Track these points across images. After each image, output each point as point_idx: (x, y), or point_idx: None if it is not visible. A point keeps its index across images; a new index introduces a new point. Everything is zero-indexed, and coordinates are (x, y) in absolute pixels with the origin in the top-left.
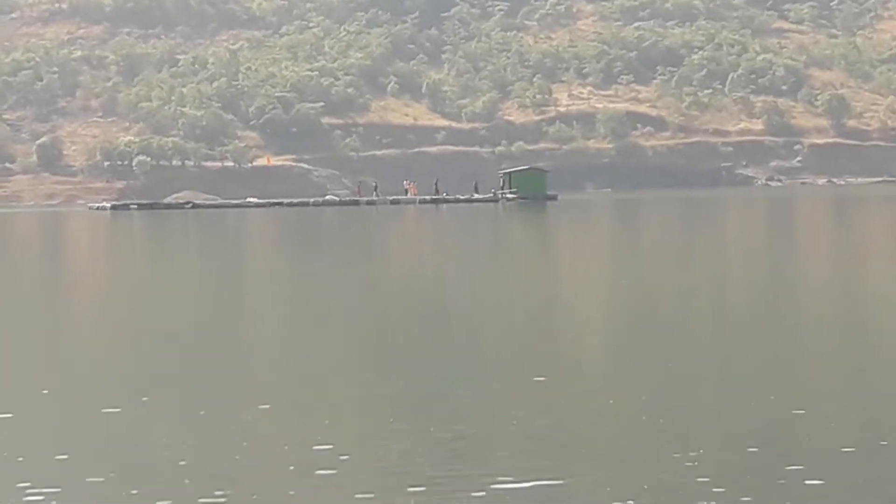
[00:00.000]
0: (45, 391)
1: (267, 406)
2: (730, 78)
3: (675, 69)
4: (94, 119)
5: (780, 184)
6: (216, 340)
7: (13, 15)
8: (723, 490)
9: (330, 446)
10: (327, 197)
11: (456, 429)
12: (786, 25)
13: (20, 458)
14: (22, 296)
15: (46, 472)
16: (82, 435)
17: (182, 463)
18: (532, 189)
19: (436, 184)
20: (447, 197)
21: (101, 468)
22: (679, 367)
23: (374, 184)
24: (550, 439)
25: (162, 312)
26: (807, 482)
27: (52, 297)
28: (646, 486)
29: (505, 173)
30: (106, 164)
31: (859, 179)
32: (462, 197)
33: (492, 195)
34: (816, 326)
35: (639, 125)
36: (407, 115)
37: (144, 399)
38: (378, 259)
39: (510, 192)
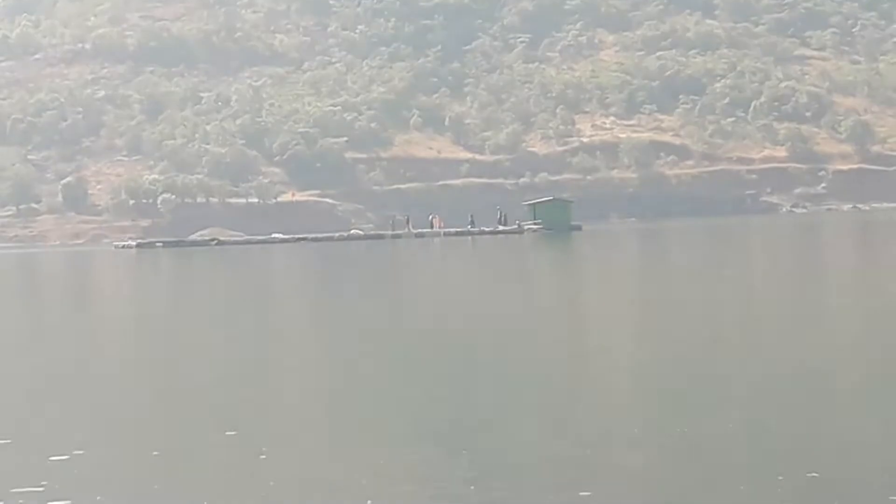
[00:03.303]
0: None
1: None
2: (753, 105)
3: (698, 98)
4: (119, 158)
5: (805, 210)
6: (242, 379)
7: (37, 56)
8: None
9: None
10: (352, 231)
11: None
12: (808, 52)
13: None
14: (52, 336)
15: None
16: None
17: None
18: (556, 220)
19: (471, 217)
20: (472, 229)
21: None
22: (705, 388)
23: (405, 217)
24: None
25: (188, 353)
26: None
27: (83, 337)
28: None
29: (529, 204)
30: (131, 202)
31: (885, 205)
32: (487, 229)
33: (516, 226)
34: (843, 348)
35: (662, 154)
36: (431, 148)
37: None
38: (410, 292)
39: (534, 224)
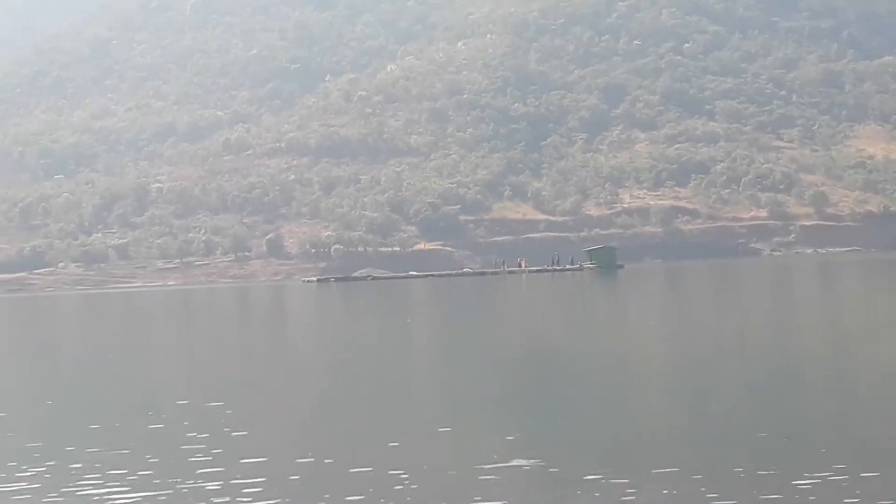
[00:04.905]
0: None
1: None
2: (742, 181)
3: (705, 176)
4: (304, 221)
5: (780, 253)
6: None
7: (248, 151)
8: None
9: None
10: (464, 270)
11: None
12: (781, 144)
13: None
14: (256, 345)
15: None
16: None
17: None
18: (606, 261)
19: (552, 258)
20: (547, 267)
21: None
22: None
23: (501, 260)
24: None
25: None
26: None
27: (282, 346)
28: None
29: (587, 251)
30: (313, 251)
31: (836, 249)
32: (558, 268)
33: (578, 266)
34: (812, 355)
35: (679, 215)
36: (518, 212)
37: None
38: (513, 312)
39: (591, 264)
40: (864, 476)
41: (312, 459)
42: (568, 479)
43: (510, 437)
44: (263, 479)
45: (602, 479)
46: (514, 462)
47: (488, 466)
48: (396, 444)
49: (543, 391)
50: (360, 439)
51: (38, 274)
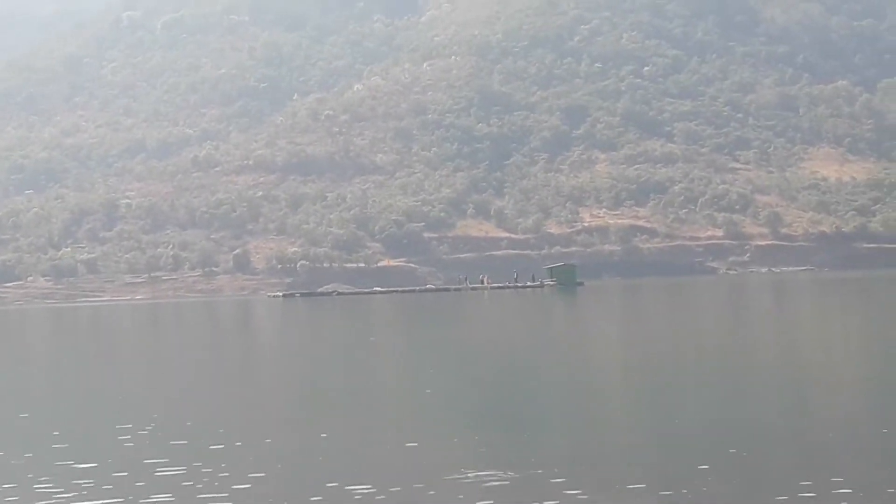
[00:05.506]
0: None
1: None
2: (699, 201)
3: (663, 196)
4: (271, 237)
5: (735, 272)
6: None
7: (217, 168)
8: None
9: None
10: (427, 286)
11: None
12: (737, 165)
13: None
14: (227, 358)
15: None
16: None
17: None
18: (566, 278)
19: (515, 276)
20: (509, 284)
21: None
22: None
23: (464, 277)
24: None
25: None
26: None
27: (259, 355)
28: None
29: (547, 268)
30: (279, 266)
31: (790, 268)
32: (520, 284)
33: (539, 283)
34: (762, 366)
35: (638, 234)
36: (481, 230)
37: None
38: (476, 326)
39: (551, 281)
40: (824, 489)
41: (280, 473)
42: (535, 492)
43: (476, 451)
44: (229, 493)
45: (569, 491)
46: (481, 475)
47: (455, 479)
48: (364, 457)
49: (508, 405)
50: (328, 453)
51: (8, 287)
